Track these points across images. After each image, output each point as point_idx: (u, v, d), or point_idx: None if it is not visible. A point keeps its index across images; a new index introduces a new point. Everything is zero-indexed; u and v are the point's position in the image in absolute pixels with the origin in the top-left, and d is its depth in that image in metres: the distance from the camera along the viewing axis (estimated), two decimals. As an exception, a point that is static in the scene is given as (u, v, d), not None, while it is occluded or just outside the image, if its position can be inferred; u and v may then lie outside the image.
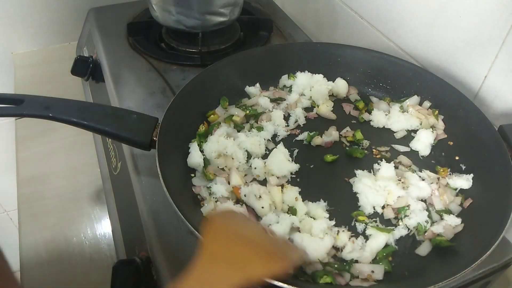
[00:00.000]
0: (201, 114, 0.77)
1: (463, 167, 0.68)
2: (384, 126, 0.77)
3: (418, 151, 0.73)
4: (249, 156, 0.70)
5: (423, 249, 0.59)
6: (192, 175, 0.67)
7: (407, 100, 0.78)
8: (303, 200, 0.64)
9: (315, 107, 0.81)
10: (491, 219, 0.57)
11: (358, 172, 0.68)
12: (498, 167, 0.62)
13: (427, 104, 0.77)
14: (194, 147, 0.68)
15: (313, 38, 1.11)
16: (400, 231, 0.61)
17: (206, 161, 0.67)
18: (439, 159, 0.72)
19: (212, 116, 0.76)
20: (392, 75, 0.81)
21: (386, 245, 0.59)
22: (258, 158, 0.70)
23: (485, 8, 0.69)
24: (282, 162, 0.68)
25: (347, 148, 0.73)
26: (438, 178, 0.68)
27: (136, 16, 1.13)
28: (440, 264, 0.56)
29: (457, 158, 0.70)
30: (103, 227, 0.87)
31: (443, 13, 0.77)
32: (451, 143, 0.73)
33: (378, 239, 0.59)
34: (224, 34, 1.03)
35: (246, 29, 1.09)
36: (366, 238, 0.60)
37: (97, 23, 1.11)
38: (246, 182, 0.66)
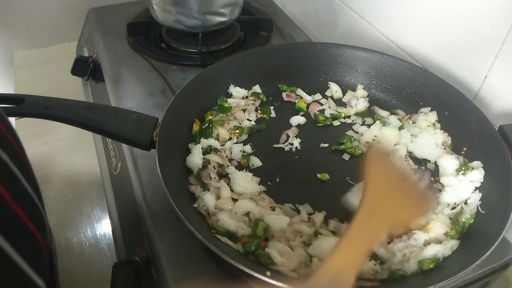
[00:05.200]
0: (201, 114, 0.77)
1: (463, 167, 0.68)
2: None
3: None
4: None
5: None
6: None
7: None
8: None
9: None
10: (491, 219, 0.57)
11: None
12: (498, 167, 0.62)
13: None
14: (197, 148, 0.68)
15: (313, 38, 1.11)
16: (451, 243, 0.57)
17: (206, 162, 0.67)
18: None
19: (209, 117, 0.76)
20: (392, 75, 0.81)
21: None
22: None
23: (485, 8, 0.69)
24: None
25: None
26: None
27: (136, 16, 1.13)
28: (440, 263, 0.56)
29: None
30: (103, 227, 0.87)
31: (443, 13, 0.77)
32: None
33: (431, 250, 0.56)
34: (224, 34, 1.03)
35: (246, 29, 1.09)
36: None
37: (97, 23, 1.11)
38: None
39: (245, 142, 0.74)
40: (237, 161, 0.71)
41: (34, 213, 0.44)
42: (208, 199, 0.61)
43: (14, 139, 0.45)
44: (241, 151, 0.71)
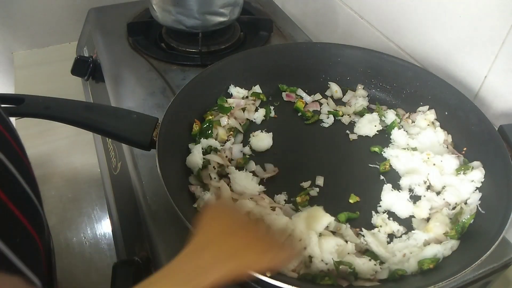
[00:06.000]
0: (201, 114, 0.77)
1: (463, 167, 0.68)
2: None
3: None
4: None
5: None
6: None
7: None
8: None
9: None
10: (491, 219, 0.57)
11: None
12: (498, 167, 0.62)
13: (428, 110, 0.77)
14: (197, 148, 0.68)
15: (313, 38, 1.11)
16: (451, 243, 0.57)
17: (206, 162, 0.67)
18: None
19: (209, 117, 0.76)
20: (392, 75, 0.81)
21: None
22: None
23: (485, 8, 0.69)
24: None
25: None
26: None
27: (136, 16, 1.13)
28: (440, 263, 0.56)
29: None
30: (103, 227, 0.87)
31: (443, 13, 0.77)
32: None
33: (431, 250, 0.56)
34: (224, 34, 1.04)
35: (246, 29, 1.09)
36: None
37: (97, 23, 1.11)
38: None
39: (245, 143, 0.74)
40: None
41: (32, 212, 0.44)
42: (208, 199, 0.61)
43: (14, 139, 0.45)
44: (241, 151, 0.72)
